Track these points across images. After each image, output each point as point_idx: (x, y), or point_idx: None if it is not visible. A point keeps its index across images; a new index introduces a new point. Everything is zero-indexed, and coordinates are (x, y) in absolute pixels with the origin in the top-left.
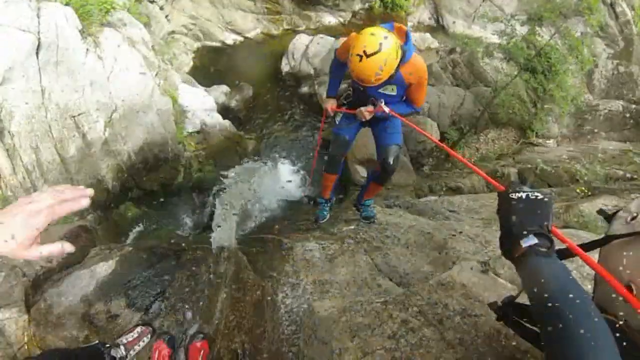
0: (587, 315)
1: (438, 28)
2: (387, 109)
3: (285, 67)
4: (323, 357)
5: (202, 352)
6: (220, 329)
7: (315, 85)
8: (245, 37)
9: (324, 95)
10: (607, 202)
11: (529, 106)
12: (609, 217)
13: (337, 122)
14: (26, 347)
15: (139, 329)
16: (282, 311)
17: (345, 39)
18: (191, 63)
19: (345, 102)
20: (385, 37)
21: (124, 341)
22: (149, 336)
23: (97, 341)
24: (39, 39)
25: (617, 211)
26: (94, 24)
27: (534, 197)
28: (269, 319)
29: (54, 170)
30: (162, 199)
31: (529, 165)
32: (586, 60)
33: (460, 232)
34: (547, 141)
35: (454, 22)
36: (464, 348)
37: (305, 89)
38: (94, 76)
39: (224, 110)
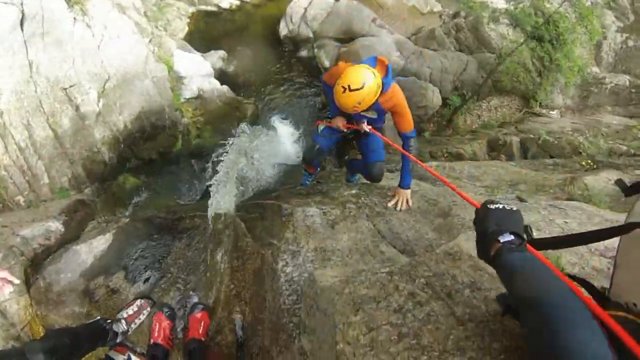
0: (564, 299)
1: None
2: (367, 128)
3: (283, 30)
4: (325, 329)
5: (202, 322)
6: (220, 299)
7: (314, 49)
8: (242, 1)
9: (324, 58)
10: (610, 176)
11: (534, 75)
12: (627, 190)
13: (319, 132)
14: (29, 326)
15: (138, 302)
16: (282, 280)
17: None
18: (186, 28)
19: (329, 116)
20: (369, 78)
21: (125, 315)
22: (149, 309)
23: (99, 317)
24: (22, 10)
25: (637, 185)
26: None
27: (509, 208)
28: (269, 289)
29: (47, 145)
30: (161, 168)
31: (532, 135)
32: (595, 31)
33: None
34: (551, 112)
35: None
36: (474, 325)
37: (304, 53)
38: (84, 46)
39: (222, 76)
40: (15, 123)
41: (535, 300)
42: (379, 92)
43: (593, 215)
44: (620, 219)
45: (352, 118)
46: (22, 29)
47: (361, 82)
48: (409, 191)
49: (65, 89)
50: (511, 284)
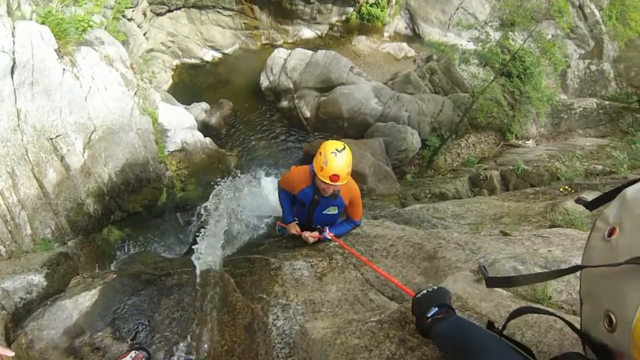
0: (482, 340)
1: (414, 37)
2: (330, 236)
3: (264, 82)
4: None
5: None
6: (211, 355)
7: (294, 99)
8: (224, 53)
9: (304, 108)
10: (588, 198)
11: (506, 109)
12: (588, 205)
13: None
14: None
15: (132, 353)
16: (274, 334)
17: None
18: (170, 80)
19: (285, 221)
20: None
21: None
22: None
23: None
24: (13, 58)
25: (598, 200)
26: (70, 42)
27: (431, 289)
28: (261, 342)
29: (31, 195)
30: (146, 221)
31: (511, 167)
32: (559, 61)
33: (449, 241)
34: (527, 142)
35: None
36: None
37: (285, 103)
38: (72, 96)
39: (205, 128)
40: (0, 171)
41: (462, 349)
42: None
43: (576, 239)
44: None
45: (313, 222)
46: (12, 77)
47: (342, 145)
48: (329, 235)
49: (51, 138)
50: (444, 346)
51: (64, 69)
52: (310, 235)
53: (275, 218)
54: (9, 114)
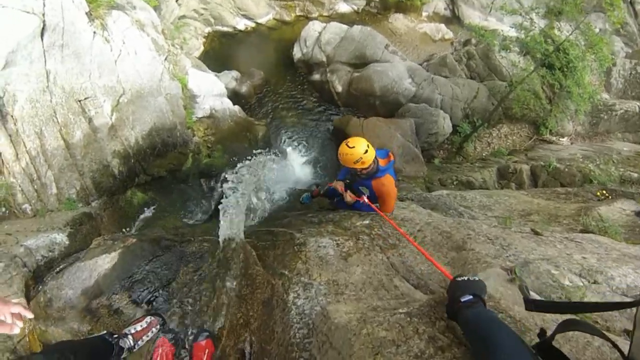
0: (504, 339)
1: (453, 19)
2: (366, 200)
3: (297, 54)
4: None
5: (206, 351)
6: (226, 327)
7: (327, 72)
8: (257, 23)
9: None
10: (624, 207)
11: (544, 102)
12: None
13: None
14: (27, 339)
15: (147, 318)
16: (293, 312)
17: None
18: (202, 48)
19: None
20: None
21: (132, 331)
22: (158, 327)
23: (105, 331)
24: (43, 21)
25: None
26: (102, 6)
27: (472, 278)
28: (278, 320)
29: (58, 155)
30: (169, 185)
31: (542, 163)
32: (605, 57)
33: (479, 233)
34: (561, 139)
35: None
36: None
37: (316, 77)
38: (101, 60)
39: (234, 96)
40: (28, 131)
41: (483, 342)
42: (368, 160)
43: (610, 249)
44: (638, 253)
45: (354, 188)
46: (42, 39)
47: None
48: (366, 199)
49: (80, 100)
50: (467, 333)
51: (94, 32)
52: (349, 195)
53: (299, 190)
54: (38, 75)
